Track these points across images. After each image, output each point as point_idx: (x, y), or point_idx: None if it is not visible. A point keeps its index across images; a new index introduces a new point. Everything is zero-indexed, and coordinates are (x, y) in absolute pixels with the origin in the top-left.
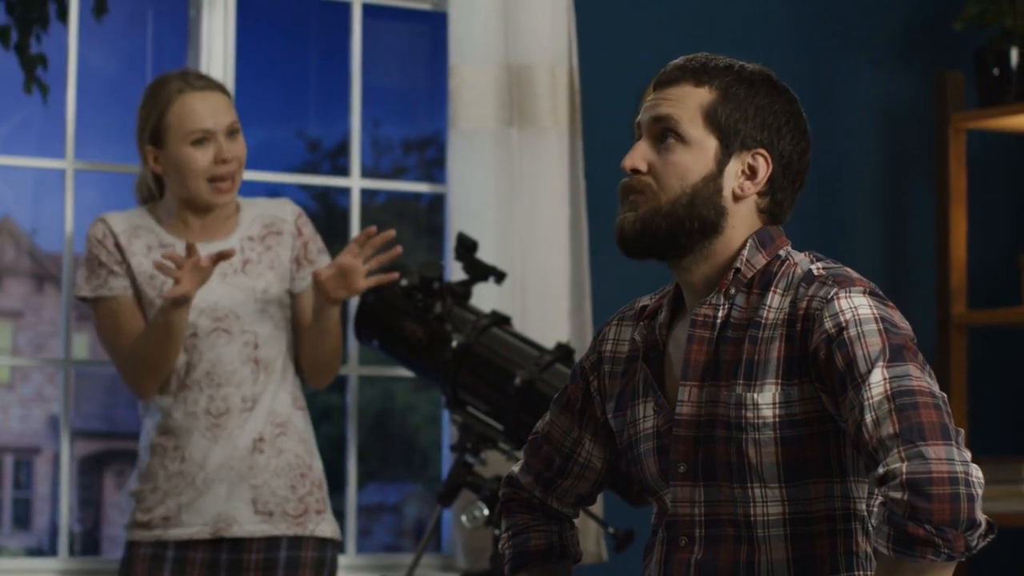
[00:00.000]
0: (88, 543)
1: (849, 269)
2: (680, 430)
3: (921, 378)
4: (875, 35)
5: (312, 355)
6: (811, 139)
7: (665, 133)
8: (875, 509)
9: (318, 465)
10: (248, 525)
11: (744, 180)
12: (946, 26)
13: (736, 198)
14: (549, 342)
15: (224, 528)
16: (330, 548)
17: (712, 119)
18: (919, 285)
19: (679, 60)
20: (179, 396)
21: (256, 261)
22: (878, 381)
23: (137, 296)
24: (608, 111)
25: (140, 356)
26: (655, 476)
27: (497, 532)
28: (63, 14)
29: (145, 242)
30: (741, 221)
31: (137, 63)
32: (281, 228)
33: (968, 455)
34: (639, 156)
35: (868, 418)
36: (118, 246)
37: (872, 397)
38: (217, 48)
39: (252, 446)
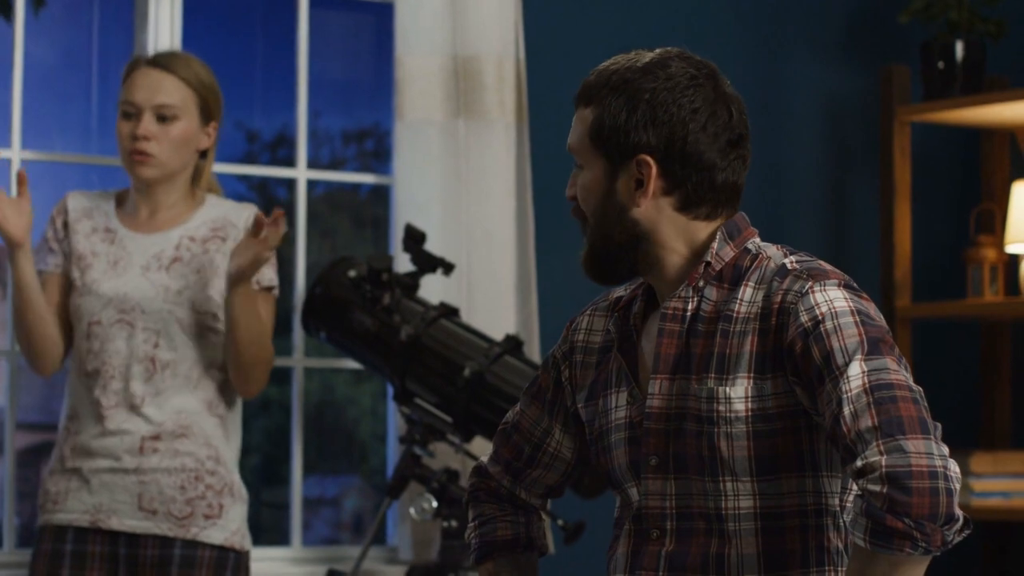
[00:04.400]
0: (26, 535)
1: (823, 262)
2: (651, 423)
3: (899, 371)
4: (819, 28)
5: (231, 356)
6: (734, 114)
7: (576, 159)
8: (852, 502)
9: (225, 473)
10: (129, 520)
11: (635, 191)
12: (891, 19)
13: (639, 208)
14: (495, 334)
15: (103, 520)
16: (232, 554)
17: (595, 138)
18: (863, 278)
19: (591, 73)
20: (80, 382)
21: (186, 262)
22: (856, 374)
23: (69, 272)
24: (555, 103)
25: (14, 323)
26: (623, 467)
27: (445, 525)
28: (4, 5)
29: (91, 224)
30: (665, 225)
31: (82, 54)
32: (227, 234)
33: (946, 450)
34: (570, 183)
35: (846, 411)
36: (66, 223)
37: (850, 390)
38: (164, 40)
39: (141, 443)
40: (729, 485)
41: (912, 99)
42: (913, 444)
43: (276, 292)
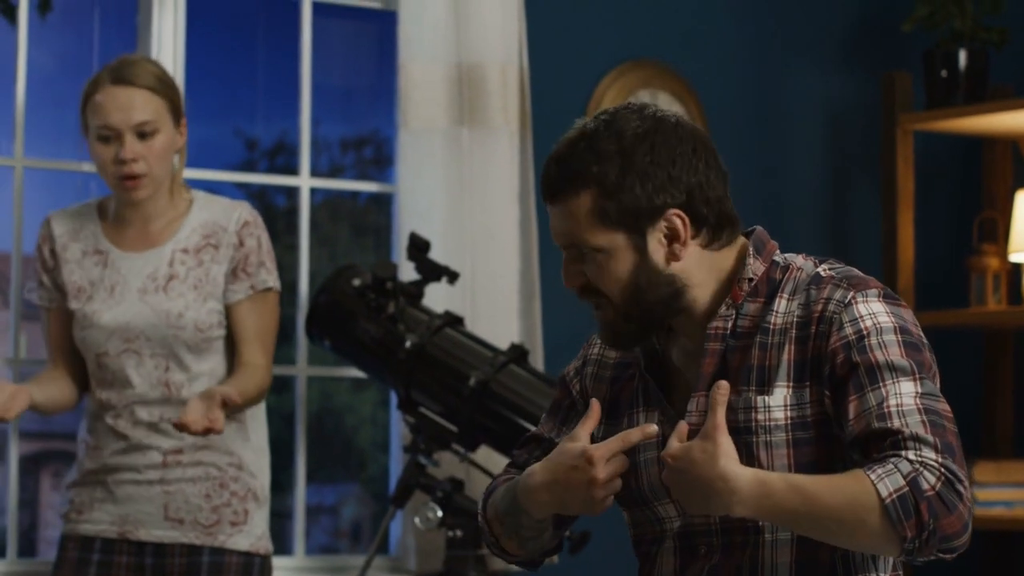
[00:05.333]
0: (25, 544)
1: (855, 269)
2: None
3: (944, 402)
4: (822, 36)
5: None
6: (727, 148)
7: (580, 250)
8: (891, 458)
9: (249, 478)
10: (156, 530)
11: (670, 246)
12: (894, 27)
13: (673, 261)
14: (499, 342)
15: (131, 531)
16: (257, 559)
17: (605, 219)
18: None
19: (553, 159)
20: (95, 405)
21: (182, 278)
22: (909, 392)
23: (65, 305)
24: (558, 111)
25: None
26: (655, 485)
27: (450, 534)
28: (9, 11)
29: (80, 247)
30: (696, 268)
31: (84, 62)
32: (220, 240)
33: None
34: (573, 275)
35: (896, 420)
36: (53, 252)
37: (902, 404)
38: (167, 48)
39: (164, 458)
40: None
41: (915, 107)
42: (964, 476)
43: (277, 288)
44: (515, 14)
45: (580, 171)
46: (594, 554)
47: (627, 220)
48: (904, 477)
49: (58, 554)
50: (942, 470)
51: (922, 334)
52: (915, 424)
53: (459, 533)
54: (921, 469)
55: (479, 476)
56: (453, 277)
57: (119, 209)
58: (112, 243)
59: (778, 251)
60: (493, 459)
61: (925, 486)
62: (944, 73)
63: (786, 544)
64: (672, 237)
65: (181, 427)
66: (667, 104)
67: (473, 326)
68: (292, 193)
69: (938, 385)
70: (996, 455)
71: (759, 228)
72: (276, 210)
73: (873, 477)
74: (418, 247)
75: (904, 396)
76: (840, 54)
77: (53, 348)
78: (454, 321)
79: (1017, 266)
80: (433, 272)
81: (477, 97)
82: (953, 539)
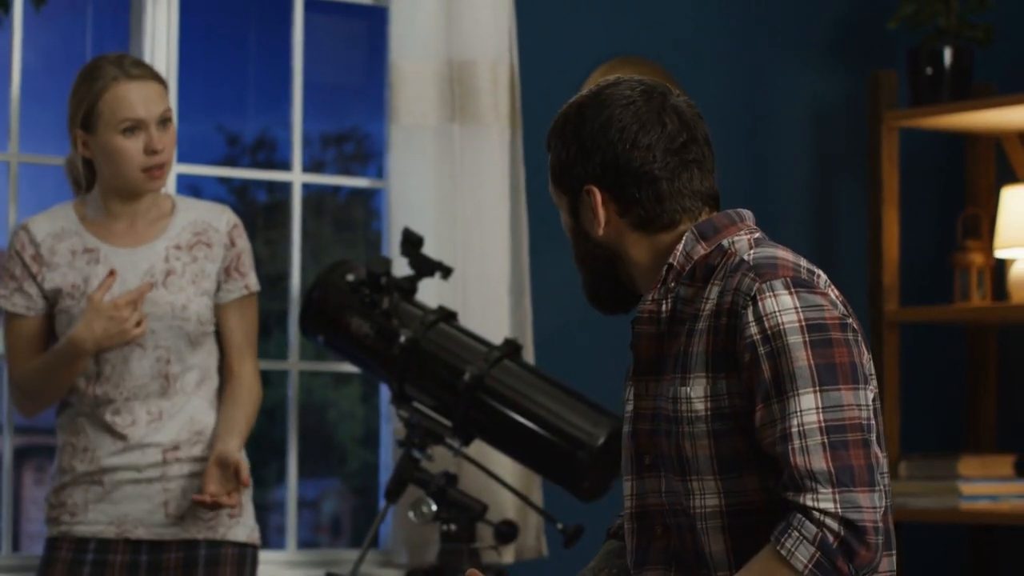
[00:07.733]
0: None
1: (780, 252)
2: (639, 424)
3: (853, 407)
4: (808, 34)
5: None
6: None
7: None
8: (793, 522)
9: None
10: (157, 528)
11: (593, 220)
12: (879, 25)
13: (601, 234)
14: (489, 337)
15: (130, 530)
16: (250, 549)
17: (555, 180)
18: (851, 283)
19: None
20: (87, 402)
21: (179, 273)
22: (810, 408)
23: (50, 309)
24: (548, 107)
25: (32, 379)
26: (625, 460)
27: (444, 528)
28: (3, 5)
29: (68, 246)
30: (630, 244)
31: (77, 57)
32: (211, 239)
33: (881, 499)
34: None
35: (797, 443)
36: (37, 257)
37: (803, 424)
38: (160, 44)
39: (163, 455)
40: (695, 484)
41: (900, 104)
42: (866, 498)
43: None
44: (506, 11)
45: (548, 134)
46: (588, 547)
47: (564, 186)
48: (812, 542)
49: (47, 554)
50: (839, 511)
51: (841, 314)
52: (814, 449)
53: (453, 527)
54: (823, 520)
55: (472, 470)
56: (447, 272)
57: (108, 205)
58: (101, 240)
59: (737, 236)
60: (486, 453)
61: (830, 539)
62: (929, 70)
63: (718, 531)
64: (594, 214)
65: (208, 502)
66: None
67: (463, 321)
68: (274, 188)
69: (863, 369)
70: (980, 449)
71: (722, 212)
72: (257, 205)
73: (784, 553)
74: (412, 242)
75: (805, 415)
76: (826, 52)
77: (37, 353)
78: (448, 316)
79: (1001, 262)
80: (426, 267)
81: (468, 94)
82: (870, 565)
